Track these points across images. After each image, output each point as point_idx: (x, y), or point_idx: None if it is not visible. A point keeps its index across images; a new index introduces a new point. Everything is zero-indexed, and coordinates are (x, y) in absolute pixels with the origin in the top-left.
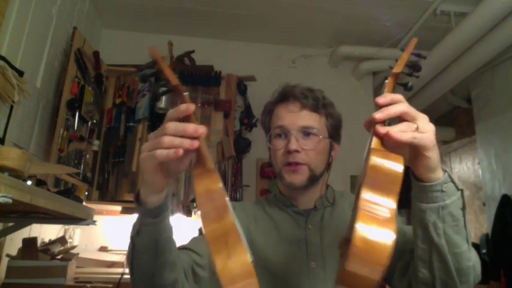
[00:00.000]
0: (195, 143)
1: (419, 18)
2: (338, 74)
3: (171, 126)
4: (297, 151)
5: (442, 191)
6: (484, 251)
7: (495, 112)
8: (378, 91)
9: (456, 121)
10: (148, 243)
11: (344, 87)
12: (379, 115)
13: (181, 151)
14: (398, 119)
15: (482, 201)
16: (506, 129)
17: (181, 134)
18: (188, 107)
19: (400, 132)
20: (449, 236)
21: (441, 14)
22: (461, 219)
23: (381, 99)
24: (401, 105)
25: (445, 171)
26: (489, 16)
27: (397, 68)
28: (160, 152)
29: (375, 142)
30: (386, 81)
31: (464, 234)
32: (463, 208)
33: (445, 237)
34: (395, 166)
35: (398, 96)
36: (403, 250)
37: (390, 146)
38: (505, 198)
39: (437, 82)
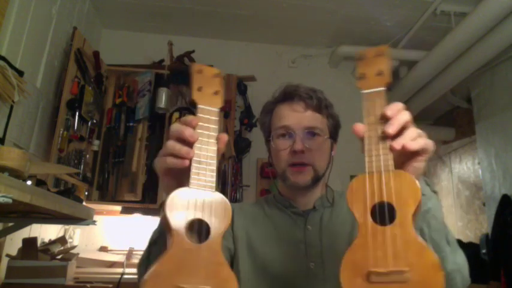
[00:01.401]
0: (191, 153)
1: (419, 18)
2: (338, 74)
3: (173, 130)
4: (302, 151)
5: (423, 194)
6: (484, 251)
7: (495, 112)
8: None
9: (456, 121)
10: None
11: (344, 87)
12: (392, 129)
13: (186, 162)
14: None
15: (482, 201)
16: (506, 129)
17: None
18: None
19: (412, 141)
20: (435, 241)
21: (441, 14)
22: (442, 223)
23: (389, 112)
24: (406, 114)
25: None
26: (489, 16)
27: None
28: (170, 160)
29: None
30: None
31: (444, 238)
32: (441, 210)
33: (431, 243)
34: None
35: (401, 105)
36: None
37: (396, 154)
38: (505, 198)
39: (437, 82)
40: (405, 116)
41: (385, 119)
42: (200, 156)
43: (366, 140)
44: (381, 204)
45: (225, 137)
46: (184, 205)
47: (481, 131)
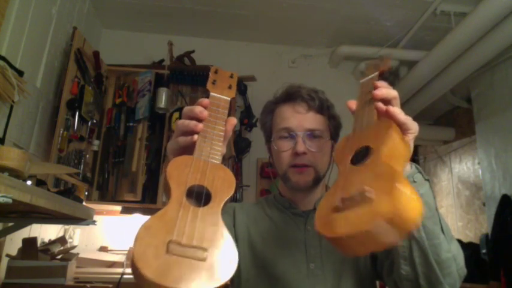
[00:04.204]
0: (199, 125)
1: (419, 18)
2: (338, 74)
3: (184, 111)
4: (304, 153)
5: (414, 181)
6: (484, 251)
7: (495, 112)
8: None
9: (456, 121)
10: None
11: (344, 87)
12: (380, 91)
13: (195, 137)
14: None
15: (482, 201)
16: (506, 129)
17: (190, 115)
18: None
19: (396, 111)
20: (427, 227)
21: (441, 14)
22: (435, 209)
23: (379, 83)
24: (394, 92)
25: (411, 163)
26: (489, 16)
27: (385, 67)
28: (181, 138)
29: (376, 115)
30: (372, 76)
31: (439, 225)
32: (434, 198)
33: (424, 230)
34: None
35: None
36: (390, 248)
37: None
38: (505, 198)
39: (437, 82)
40: (393, 92)
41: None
42: (207, 132)
43: (356, 111)
44: (361, 150)
45: (233, 120)
46: (187, 169)
47: (481, 131)
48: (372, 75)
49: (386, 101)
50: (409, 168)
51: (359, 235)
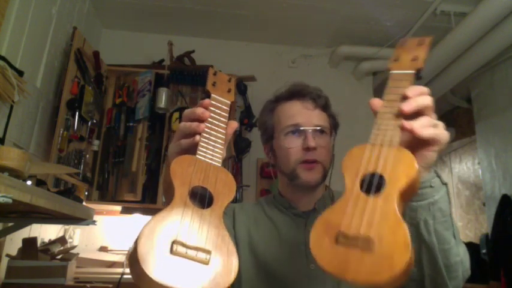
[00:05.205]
0: (201, 126)
1: (419, 18)
2: (338, 74)
3: (185, 113)
4: (315, 148)
5: (431, 186)
6: (484, 251)
7: (495, 112)
8: (377, 91)
9: (456, 121)
10: None
11: (344, 87)
12: (407, 107)
13: (197, 138)
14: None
15: (482, 201)
16: (506, 129)
17: (191, 117)
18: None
19: (422, 127)
20: (439, 232)
21: (441, 14)
22: (449, 214)
23: (410, 92)
24: (428, 99)
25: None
26: (489, 16)
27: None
28: (183, 140)
29: (399, 135)
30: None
31: (451, 229)
32: (449, 202)
33: (435, 235)
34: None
35: (425, 89)
36: None
37: (407, 137)
38: (505, 198)
39: (437, 82)
40: (425, 100)
41: (404, 99)
42: (210, 134)
43: (378, 114)
44: (374, 175)
45: (235, 124)
46: (191, 169)
47: (481, 131)
48: (407, 71)
49: (418, 112)
50: (426, 174)
51: (354, 281)
